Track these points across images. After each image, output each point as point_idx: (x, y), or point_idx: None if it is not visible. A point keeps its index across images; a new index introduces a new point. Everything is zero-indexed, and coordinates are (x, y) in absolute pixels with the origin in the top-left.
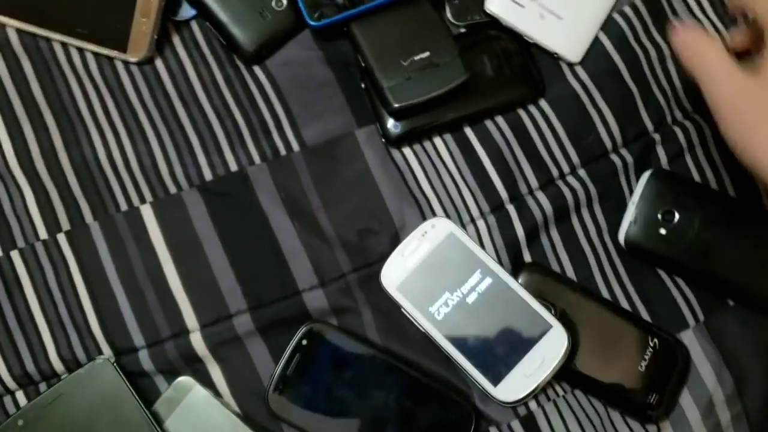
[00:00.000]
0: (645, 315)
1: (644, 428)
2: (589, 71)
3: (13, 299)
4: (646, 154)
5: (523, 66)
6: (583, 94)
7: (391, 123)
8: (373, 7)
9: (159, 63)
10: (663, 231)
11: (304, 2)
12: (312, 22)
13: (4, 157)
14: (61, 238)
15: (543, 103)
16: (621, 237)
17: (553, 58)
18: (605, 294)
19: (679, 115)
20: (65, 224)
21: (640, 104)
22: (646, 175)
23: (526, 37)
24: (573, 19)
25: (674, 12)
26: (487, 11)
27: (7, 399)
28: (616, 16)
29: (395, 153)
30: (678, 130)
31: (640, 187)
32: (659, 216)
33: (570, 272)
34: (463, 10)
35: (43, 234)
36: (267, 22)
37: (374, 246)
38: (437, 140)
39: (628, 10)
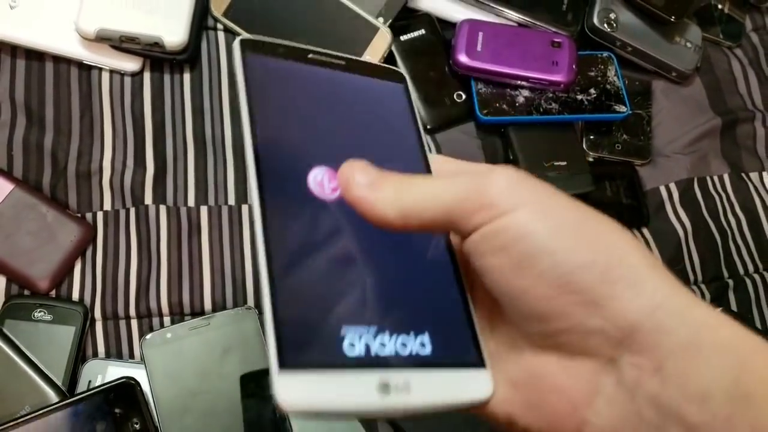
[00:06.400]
0: None
1: None
2: (689, 217)
3: (191, 242)
4: (721, 295)
5: (635, 199)
6: (681, 232)
7: None
8: (530, 121)
9: None
10: None
11: (479, 101)
12: (480, 116)
13: (223, 140)
14: (245, 208)
15: (646, 231)
16: None
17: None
18: None
19: (751, 268)
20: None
21: (722, 253)
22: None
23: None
24: None
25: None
26: None
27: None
28: (713, 191)
29: None
30: (749, 281)
31: None
32: None
33: None
34: (595, 145)
35: (231, 201)
36: (447, 108)
37: None
38: None
39: (720, 189)
